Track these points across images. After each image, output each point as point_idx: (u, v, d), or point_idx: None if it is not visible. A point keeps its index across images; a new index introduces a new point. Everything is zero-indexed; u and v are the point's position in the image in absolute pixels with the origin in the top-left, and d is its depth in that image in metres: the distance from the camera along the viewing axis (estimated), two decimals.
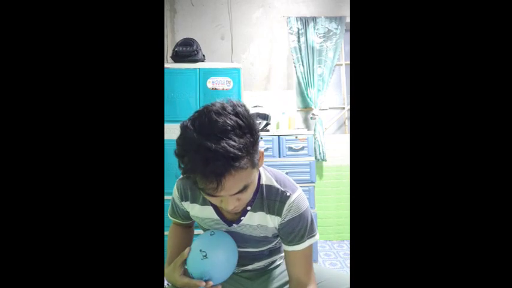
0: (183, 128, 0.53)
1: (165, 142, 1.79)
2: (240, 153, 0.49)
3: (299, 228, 0.67)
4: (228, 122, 0.50)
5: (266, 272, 0.82)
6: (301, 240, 0.67)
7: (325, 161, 2.37)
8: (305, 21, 2.40)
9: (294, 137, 1.98)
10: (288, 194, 0.67)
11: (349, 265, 1.91)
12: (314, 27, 2.40)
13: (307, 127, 2.47)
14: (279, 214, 0.67)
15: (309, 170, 1.95)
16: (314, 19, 2.41)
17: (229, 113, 0.52)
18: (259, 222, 0.69)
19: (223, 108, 0.53)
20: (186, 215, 0.78)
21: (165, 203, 1.74)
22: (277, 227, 0.69)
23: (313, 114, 2.37)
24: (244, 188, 0.55)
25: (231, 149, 0.48)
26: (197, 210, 0.73)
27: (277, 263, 0.85)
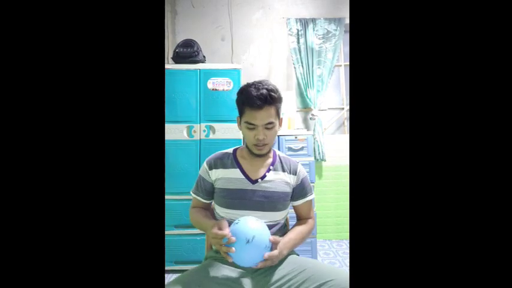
0: (241, 88, 0.91)
1: (165, 142, 1.80)
2: (275, 94, 0.87)
3: (307, 184, 1.00)
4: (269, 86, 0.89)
5: (266, 270, 0.83)
6: (307, 194, 1.00)
7: (325, 161, 2.37)
8: (304, 22, 2.41)
9: (293, 137, 1.99)
10: (296, 162, 1.02)
11: (348, 264, 1.92)
12: (313, 29, 2.41)
13: (307, 127, 2.48)
14: (294, 173, 0.98)
15: (308, 170, 1.96)
16: (313, 20, 2.42)
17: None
18: (282, 178, 0.96)
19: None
20: (209, 190, 0.97)
21: (165, 202, 1.75)
22: (294, 186, 0.97)
23: (312, 114, 2.38)
24: (272, 126, 0.88)
25: (271, 87, 0.88)
26: (226, 173, 0.94)
27: None
